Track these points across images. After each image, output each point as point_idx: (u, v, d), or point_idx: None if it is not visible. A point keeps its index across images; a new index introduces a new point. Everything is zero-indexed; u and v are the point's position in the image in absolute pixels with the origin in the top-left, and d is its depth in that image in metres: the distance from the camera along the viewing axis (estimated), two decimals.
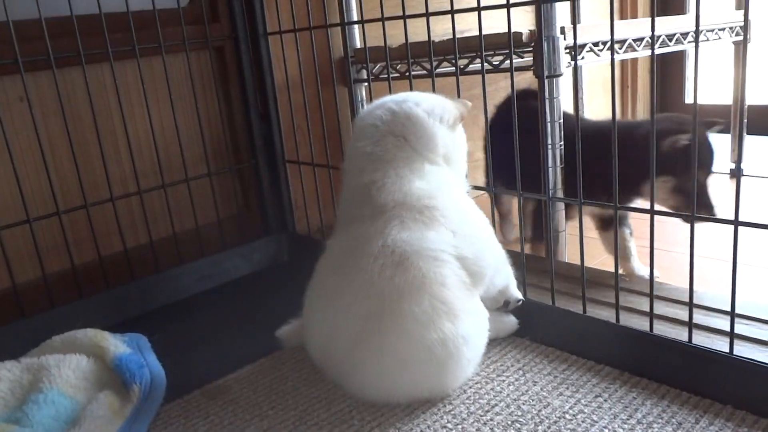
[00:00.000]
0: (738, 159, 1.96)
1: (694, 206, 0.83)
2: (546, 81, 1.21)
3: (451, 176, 0.98)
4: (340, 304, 0.88)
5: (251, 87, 1.48)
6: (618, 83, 2.64)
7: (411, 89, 1.19)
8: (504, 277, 1.02)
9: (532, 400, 0.87)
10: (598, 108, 2.48)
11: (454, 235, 0.89)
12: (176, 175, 1.39)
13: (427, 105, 0.98)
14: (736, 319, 0.84)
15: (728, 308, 0.84)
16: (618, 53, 1.52)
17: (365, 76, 1.51)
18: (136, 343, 1.10)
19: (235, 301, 1.34)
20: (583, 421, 0.82)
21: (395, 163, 0.93)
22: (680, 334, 0.89)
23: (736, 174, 0.83)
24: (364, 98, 1.58)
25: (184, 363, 1.08)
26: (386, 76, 1.28)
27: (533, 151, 1.13)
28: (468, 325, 0.85)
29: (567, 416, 0.83)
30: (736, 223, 0.80)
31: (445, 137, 0.98)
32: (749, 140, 2.17)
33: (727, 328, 0.84)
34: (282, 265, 1.51)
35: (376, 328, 0.83)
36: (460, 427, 0.83)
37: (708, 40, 1.86)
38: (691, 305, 0.86)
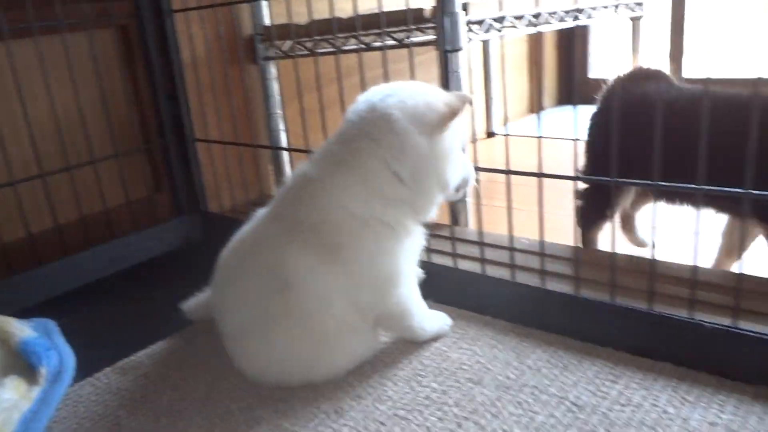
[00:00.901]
0: None
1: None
2: (448, 56, 1.26)
3: (402, 208, 0.87)
4: (233, 293, 0.91)
5: (158, 66, 1.46)
6: (526, 59, 2.74)
7: (317, 67, 1.22)
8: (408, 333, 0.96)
9: (433, 355, 0.93)
10: (507, 83, 2.57)
11: (351, 277, 0.85)
12: (82, 156, 1.36)
13: (413, 103, 0.86)
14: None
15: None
16: (516, 28, 1.59)
17: (274, 54, 1.52)
18: (43, 327, 1.08)
19: (148, 282, 1.34)
20: (479, 370, 0.88)
21: (351, 174, 0.85)
22: (567, 288, 0.96)
23: None
24: (275, 76, 1.59)
25: (95, 344, 1.07)
26: (295, 54, 1.30)
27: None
28: (338, 357, 0.90)
29: (464, 367, 0.89)
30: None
31: (420, 147, 0.84)
32: None
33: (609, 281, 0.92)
34: (195, 244, 1.51)
35: (253, 332, 0.89)
36: (365, 383, 0.88)
37: (605, 16, 1.96)
38: (576, 261, 0.94)
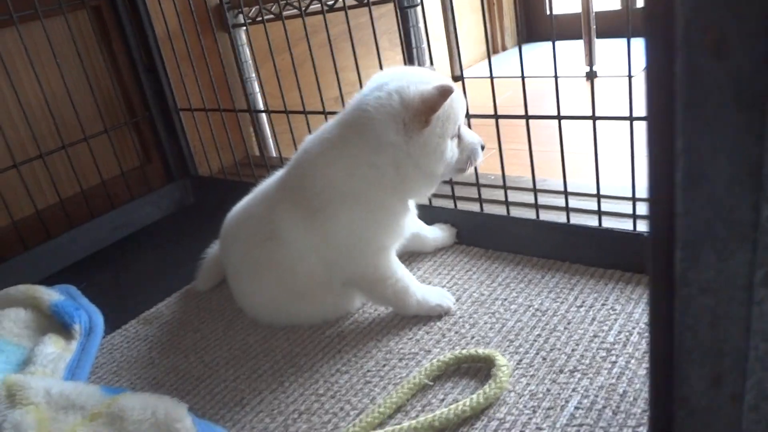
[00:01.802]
0: (590, 62, 2.20)
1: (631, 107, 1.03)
2: (407, 11, 1.36)
3: (384, 190, 0.92)
4: (234, 240, 1.05)
5: (134, 42, 1.54)
6: (485, 1, 2.81)
7: (285, 30, 1.31)
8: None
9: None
10: (468, 27, 2.66)
11: (324, 238, 0.93)
12: (74, 135, 1.45)
13: (389, 101, 0.88)
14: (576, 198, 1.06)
15: (561, 189, 1.06)
16: None
17: (242, 21, 1.60)
18: (66, 291, 1.21)
19: (151, 246, 1.45)
20: (456, 291, 1.02)
21: (338, 155, 0.92)
22: (529, 214, 1.10)
23: (590, 76, 1.02)
24: (245, 42, 1.68)
25: (116, 302, 1.19)
26: (262, 18, 1.39)
27: None
28: (311, 307, 1.00)
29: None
30: (594, 118, 0.99)
31: (395, 143, 0.89)
32: (599, 44, 2.40)
33: (563, 205, 1.06)
34: (189, 207, 1.62)
35: (246, 275, 1.03)
36: (362, 311, 1.02)
37: None
38: (535, 191, 1.07)
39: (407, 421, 0.77)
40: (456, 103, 0.92)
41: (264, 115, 1.69)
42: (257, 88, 1.70)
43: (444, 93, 0.87)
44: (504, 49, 2.86)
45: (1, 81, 1.36)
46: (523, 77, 1.02)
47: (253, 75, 1.68)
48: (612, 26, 2.55)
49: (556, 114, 1.02)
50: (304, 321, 1.02)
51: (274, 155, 1.71)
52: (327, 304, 1.00)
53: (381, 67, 1.20)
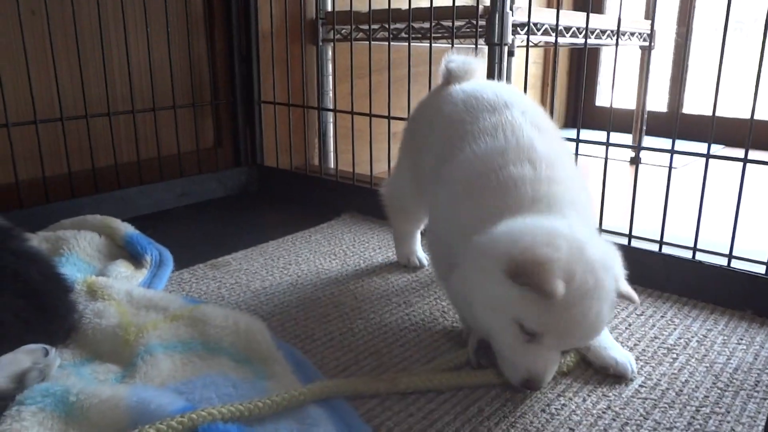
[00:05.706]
0: (637, 153, 2.30)
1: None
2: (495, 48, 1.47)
3: None
4: None
5: (237, 31, 1.65)
6: (540, 80, 2.98)
7: (369, 52, 1.41)
8: None
9: None
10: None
11: None
12: (164, 102, 1.54)
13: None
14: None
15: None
16: (550, 35, 1.81)
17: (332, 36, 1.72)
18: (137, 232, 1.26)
19: (216, 215, 1.50)
20: None
21: None
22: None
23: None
24: (330, 57, 1.79)
25: (182, 250, 1.23)
26: (360, 37, 1.50)
27: None
28: None
29: None
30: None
31: None
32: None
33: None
34: (253, 192, 1.68)
35: None
36: (424, 285, 1.06)
37: (620, 43, 2.19)
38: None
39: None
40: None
41: (330, 131, 1.77)
42: (330, 104, 1.79)
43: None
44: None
45: (116, 38, 1.46)
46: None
47: (330, 89, 1.78)
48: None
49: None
50: None
51: (332, 166, 1.79)
52: None
53: None
